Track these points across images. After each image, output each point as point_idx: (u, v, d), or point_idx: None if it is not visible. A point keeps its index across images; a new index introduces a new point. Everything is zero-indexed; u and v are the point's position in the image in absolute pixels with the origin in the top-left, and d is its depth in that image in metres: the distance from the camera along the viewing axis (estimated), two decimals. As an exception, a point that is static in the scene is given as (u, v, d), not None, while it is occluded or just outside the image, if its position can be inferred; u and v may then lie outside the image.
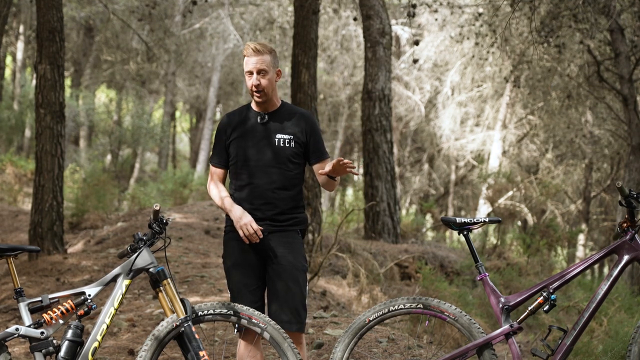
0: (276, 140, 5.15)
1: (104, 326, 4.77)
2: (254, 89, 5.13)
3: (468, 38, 22.94)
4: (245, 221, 5.01)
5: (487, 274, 5.12)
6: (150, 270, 4.85)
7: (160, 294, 4.86)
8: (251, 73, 5.11)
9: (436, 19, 25.18)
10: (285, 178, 5.15)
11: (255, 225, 5.00)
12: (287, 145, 5.16)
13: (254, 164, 5.14)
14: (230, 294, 5.21)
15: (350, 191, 34.18)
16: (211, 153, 5.35)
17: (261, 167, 5.13)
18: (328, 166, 5.02)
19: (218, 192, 5.24)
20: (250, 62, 5.10)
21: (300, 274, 5.15)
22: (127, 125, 32.25)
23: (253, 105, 5.27)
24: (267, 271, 5.15)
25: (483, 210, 25.82)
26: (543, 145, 28.81)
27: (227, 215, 5.22)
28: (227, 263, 5.22)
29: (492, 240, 19.07)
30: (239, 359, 5.12)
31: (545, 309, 4.94)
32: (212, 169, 5.33)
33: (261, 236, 5.02)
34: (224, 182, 5.33)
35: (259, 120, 5.21)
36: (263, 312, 5.14)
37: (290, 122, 5.22)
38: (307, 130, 5.23)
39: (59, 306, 4.79)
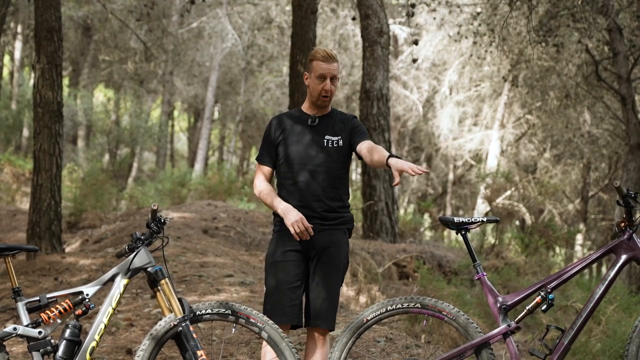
0: (325, 141, 5.27)
1: (102, 325, 4.77)
2: (324, 93, 5.24)
3: (466, 37, 22.94)
4: (296, 218, 5.06)
5: (484, 274, 5.12)
6: (148, 269, 4.85)
7: (158, 294, 4.86)
8: (324, 78, 5.22)
9: (434, 19, 25.18)
10: (334, 177, 5.26)
11: (306, 222, 5.06)
12: (336, 146, 5.28)
13: (304, 164, 5.23)
14: (265, 293, 5.23)
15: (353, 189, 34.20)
16: (259, 152, 5.43)
17: (311, 167, 5.23)
18: (397, 170, 4.83)
19: (268, 191, 5.29)
20: (325, 67, 5.21)
21: (342, 274, 5.27)
22: (125, 124, 32.24)
23: (304, 109, 5.39)
24: (310, 269, 5.23)
25: (481, 209, 25.85)
26: (541, 144, 28.83)
27: (276, 215, 5.29)
28: (271, 259, 5.25)
29: (490, 239, 19.06)
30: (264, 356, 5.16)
31: (543, 308, 4.94)
32: (260, 167, 5.39)
33: (312, 233, 5.09)
34: (270, 181, 5.41)
35: (309, 123, 5.32)
36: (301, 313, 5.18)
37: (338, 125, 5.34)
38: (351, 126, 5.35)
39: (57, 305, 4.78)
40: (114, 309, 4.81)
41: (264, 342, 5.07)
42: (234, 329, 5.00)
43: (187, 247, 11.86)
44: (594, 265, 27.52)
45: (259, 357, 6.60)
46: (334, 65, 5.22)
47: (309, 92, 5.31)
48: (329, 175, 5.24)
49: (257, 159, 5.42)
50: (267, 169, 5.36)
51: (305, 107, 5.39)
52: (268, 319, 4.89)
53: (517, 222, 27.77)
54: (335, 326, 6.35)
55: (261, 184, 5.34)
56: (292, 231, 5.06)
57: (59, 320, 4.78)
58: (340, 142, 5.28)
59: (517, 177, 25.21)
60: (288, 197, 5.24)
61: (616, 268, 4.96)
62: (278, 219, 5.28)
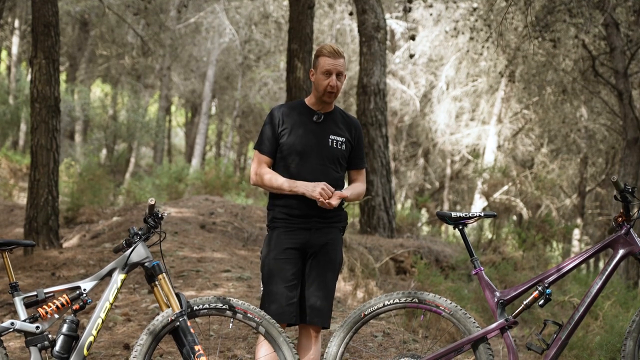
0: (330, 140, 5.21)
1: (99, 321, 4.77)
2: (330, 89, 5.15)
3: (463, 33, 22.94)
4: (321, 186, 5.03)
5: (482, 268, 5.13)
6: (146, 264, 4.85)
7: (155, 289, 4.86)
8: (330, 73, 5.14)
9: (431, 14, 25.17)
10: (334, 178, 5.20)
11: (331, 187, 5.07)
12: (339, 147, 5.23)
13: (306, 160, 5.16)
14: (262, 290, 5.18)
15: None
16: (259, 140, 5.29)
17: (313, 164, 5.16)
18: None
19: (276, 177, 5.17)
20: (331, 63, 5.14)
21: (337, 272, 5.27)
22: (123, 119, 32.22)
23: (309, 104, 5.30)
24: (306, 267, 5.19)
25: (478, 204, 25.86)
26: (538, 139, 28.84)
27: (269, 211, 5.26)
28: (268, 257, 5.18)
29: (488, 234, 19.08)
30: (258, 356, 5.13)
31: (540, 303, 4.95)
32: (259, 156, 5.24)
33: (337, 200, 5.07)
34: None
35: (314, 119, 5.24)
36: (298, 311, 5.14)
37: (343, 125, 5.29)
38: (356, 137, 5.32)
39: (54, 300, 4.78)
40: (111, 304, 4.82)
41: (259, 339, 5.07)
42: (231, 324, 4.99)
43: (184, 242, 11.86)
44: (592, 260, 27.57)
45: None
46: (340, 61, 5.15)
47: (315, 87, 5.21)
48: (330, 174, 5.18)
49: (257, 147, 5.27)
50: (268, 159, 5.23)
51: (309, 102, 5.30)
52: (265, 313, 4.89)
53: (515, 217, 27.81)
54: (333, 321, 6.36)
55: (266, 170, 5.21)
56: (320, 198, 5.00)
57: (56, 315, 4.78)
58: (343, 147, 5.24)
59: (515, 172, 25.20)
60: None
61: (613, 263, 4.97)
62: (273, 215, 5.24)
